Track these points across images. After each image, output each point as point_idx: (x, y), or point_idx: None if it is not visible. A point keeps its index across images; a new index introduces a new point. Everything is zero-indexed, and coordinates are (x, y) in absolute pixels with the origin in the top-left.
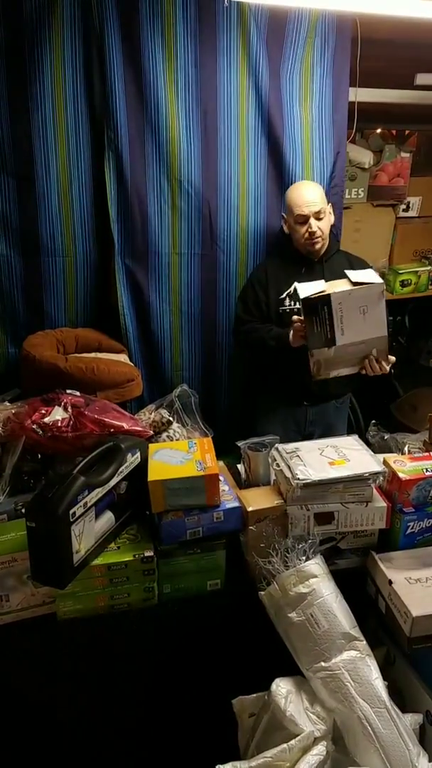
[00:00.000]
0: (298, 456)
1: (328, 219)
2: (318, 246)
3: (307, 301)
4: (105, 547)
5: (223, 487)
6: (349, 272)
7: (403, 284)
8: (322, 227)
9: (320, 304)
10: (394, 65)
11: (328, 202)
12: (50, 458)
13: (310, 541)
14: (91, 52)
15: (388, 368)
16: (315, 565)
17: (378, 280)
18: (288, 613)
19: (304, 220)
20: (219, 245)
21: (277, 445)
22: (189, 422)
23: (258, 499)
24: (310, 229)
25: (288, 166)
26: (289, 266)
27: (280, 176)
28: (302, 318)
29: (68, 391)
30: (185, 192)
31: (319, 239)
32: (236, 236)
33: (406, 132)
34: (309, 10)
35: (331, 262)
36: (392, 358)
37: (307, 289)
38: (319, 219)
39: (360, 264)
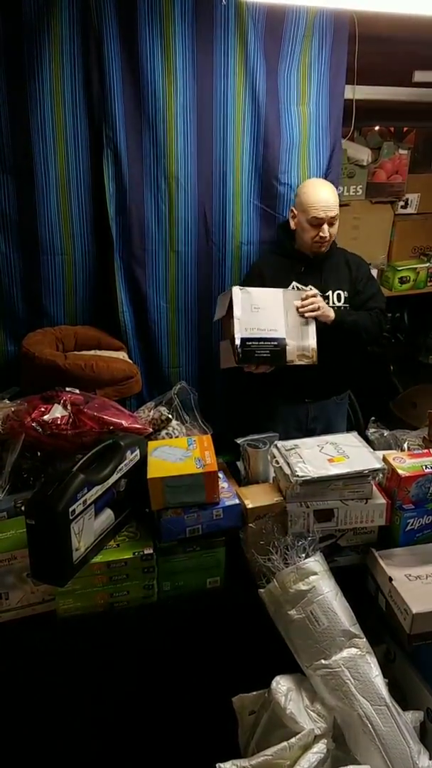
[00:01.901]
0: (297, 453)
1: (338, 222)
2: (324, 249)
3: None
4: (104, 545)
5: (223, 485)
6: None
7: (401, 281)
8: (332, 233)
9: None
10: (392, 62)
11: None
12: (50, 456)
13: (309, 538)
14: (89, 51)
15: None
16: (315, 563)
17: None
18: (288, 610)
19: (319, 223)
20: (215, 242)
21: (276, 442)
22: (188, 419)
23: (257, 497)
24: (321, 234)
25: (284, 163)
26: (288, 265)
27: (276, 174)
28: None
29: (67, 389)
30: (182, 189)
31: (327, 243)
32: (231, 233)
33: (404, 129)
34: (306, 7)
35: (330, 260)
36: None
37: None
38: (332, 224)
39: (356, 260)
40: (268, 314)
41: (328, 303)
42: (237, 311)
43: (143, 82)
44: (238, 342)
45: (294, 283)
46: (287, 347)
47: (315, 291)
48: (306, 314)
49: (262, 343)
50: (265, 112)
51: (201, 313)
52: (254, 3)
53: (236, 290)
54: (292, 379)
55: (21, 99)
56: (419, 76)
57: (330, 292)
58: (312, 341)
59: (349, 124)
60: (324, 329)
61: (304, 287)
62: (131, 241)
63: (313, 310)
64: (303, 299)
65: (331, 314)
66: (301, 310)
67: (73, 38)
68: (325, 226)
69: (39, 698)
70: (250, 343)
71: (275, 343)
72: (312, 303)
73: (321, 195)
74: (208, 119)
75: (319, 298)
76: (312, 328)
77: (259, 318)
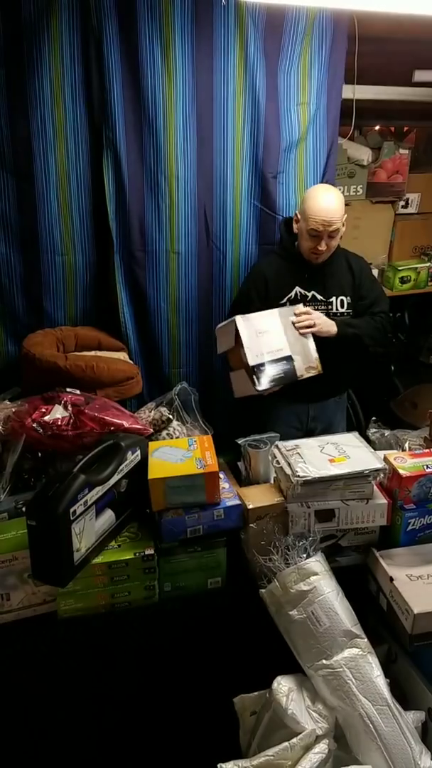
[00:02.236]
0: (298, 453)
1: (340, 234)
2: (320, 260)
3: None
4: (105, 546)
5: (224, 485)
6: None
7: (402, 281)
8: (331, 245)
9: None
10: (392, 62)
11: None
12: (50, 456)
13: (310, 538)
14: (89, 52)
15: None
16: (316, 563)
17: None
18: (289, 610)
19: (317, 234)
20: (215, 243)
21: (277, 442)
22: (189, 420)
23: (258, 497)
24: (319, 247)
25: (282, 163)
26: (291, 268)
27: (275, 174)
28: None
29: (68, 390)
30: (182, 191)
31: (323, 255)
32: (231, 234)
33: (405, 128)
34: (306, 7)
35: (333, 264)
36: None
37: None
38: (332, 237)
39: (358, 264)
40: (272, 336)
41: (331, 309)
42: (245, 340)
43: (143, 83)
44: (253, 370)
45: (297, 289)
46: (295, 363)
47: (305, 308)
48: (301, 330)
49: (274, 365)
50: (265, 112)
51: (201, 314)
52: (254, 3)
53: (239, 320)
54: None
55: (21, 99)
56: (419, 75)
57: (333, 299)
58: (314, 352)
59: (350, 123)
60: (325, 338)
61: (306, 293)
62: (131, 241)
63: (308, 326)
64: (297, 314)
65: (333, 329)
66: (297, 326)
67: (72, 39)
68: (323, 241)
69: (40, 698)
70: (264, 368)
71: (284, 361)
72: (306, 319)
73: (322, 206)
74: (208, 119)
75: (315, 313)
76: (311, 339)
77: (264, 341)
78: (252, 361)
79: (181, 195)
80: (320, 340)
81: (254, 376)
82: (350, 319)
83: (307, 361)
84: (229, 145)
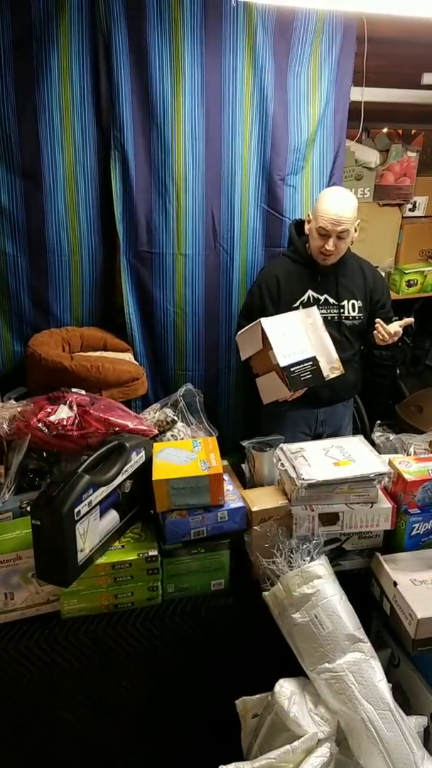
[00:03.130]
0: (302, 456)
1: (351, 238)
2: (329, 262)
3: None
4: (109, 546)
5: (228, 487)
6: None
7: (409, 284)
8: (340, 247)
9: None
10: (400, 65)
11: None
12: (55, 457)
13: (314, 541)
14: (98, 53)
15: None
16: (319, 566)
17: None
18: (292, 613)
19: (325, 233)
20: (222, 246)
21: (281, 445)
22: (193, 421)
23: (262, 499)
24: (327, 246)
25: (290, 165)
26: (303, 271)
27: (282, 176)
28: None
29: (73, 390)
30: (189, 192)
31: (332, 257)
32: (238, 237)
33: (413, 131)
34: (316, 9)
35: (344, 268)
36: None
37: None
38: (340, 238)
39: (371, 271)
40: (295, 337)
41: (342, 313)
42: (273, 341)
43: (151, 84)
44: (285, 371)
45: (309, 293)
46: (320, 363)
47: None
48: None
49: (302, 365)
50: (274, 114)
51: (208, 316)
52: (264, 4)
53: (265, 322)
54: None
55: (30, 101)
56: (428, 78)
57: (345, 302)
58: (334, 353)
59: (358, 126)
60: (342, 339)
61: (319, 296)
62: (138, 242)
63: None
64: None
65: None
66: (389, 341)
67: (81, 40)
68: (332, 240)
69: (42, 698)
70: (294, 368)
71: (311, 362)
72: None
73: (333, 204)
74: (216, 121)
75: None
76: (329, 340)
77: (290, 343)
78: (283, 361)
79: (188, 196)
80: (337, 340)
81: (286, 377)
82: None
83: (330, 362)
84: (237, 146)
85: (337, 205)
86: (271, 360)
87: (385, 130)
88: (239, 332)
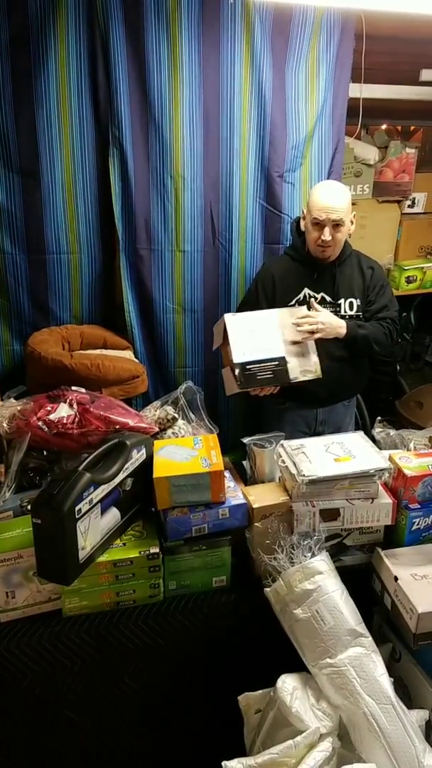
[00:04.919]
0: (303, 452)
1: (347, 229)
2: (327, 255)
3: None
4: (110, 544)
5: (229, 484)
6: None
7: (408, 280)
8: (337, 237)
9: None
10: (399, 61)
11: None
12: (56, 455)
13: (315, 537)
14: (95, 49)
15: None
16: (320, 562)
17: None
18: (293, 609)
19: (319, 224)
20: (221, 242)
21: (282, 441)
22: (194, 419)
23: (263, 496)
24: (323, 237)
25: (289, 162)
26: (300, 269)
27: (281, 172)
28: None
29: (73, 388)
30: (188, 189)
31: (330, 249)
32: (237, 234)
33: (411, 128)
34: (314, 6)
35: (343, 266)
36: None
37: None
38: (336, 228)
39: (371, 267)
40: (265, 336)
41: (339, 311)
42: (232, 337)
43: (149, 81)
44: (237, 368)
45: (306, 291)
46: (288, 365)
47: (307, 312)
48: (302, 337)
49: (262, 365)
50: (272, 111)
51: (207, 313)
52: (261, 1)
53: (228, 317)
54: (305, 386)
55: (27, 98)
56: (426, 74)
57: (342, 300)
58: (314, 356)
59: (356, 123)
60: (335, 340)
61: (316, 295)
62: (137, 240)
63: (310, 332)
64: (299, 318)
65: (342, 331)
66: (298, 330)
67: (79, 36)
68: (327, 230)
69: (45, 696)
70: (250, 366)
71: (276, 362)
72: (308, 324)
73: (325, 195)
74: (214, 118)
75: (323, 314)
76: (311, 343)
77: (256, 341)
78: (237, 358)
79: (187, 193)
80: (330, 342)
81: (236, 374)
82: (361, 322)
83: (305, 365)
84: (236, 143)
85: (328, 194)
86: (228, 354)
87: (383, 126)
88: (215, 324)
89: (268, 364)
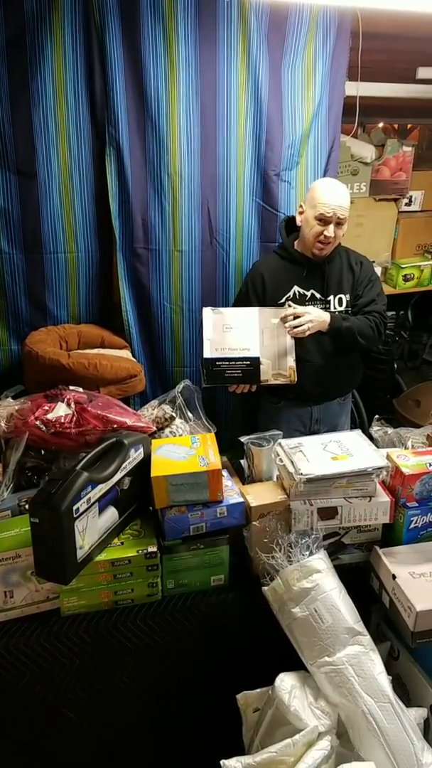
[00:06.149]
0: (301, 451)
1: (345, 227)
2: (325, 251)
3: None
4: (108, 543)
5: (227, 483)
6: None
7: (405, 278)
8: (338, 234)
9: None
10: (396, 59)
11: None
12: (54, 454)
13: (313, 536)
14: (91, 48)
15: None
16: (318, 560)
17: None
18: (291, 608)
19: (326, 220)
20: (218, 241)
21: (280, 440)
22: (192, 418)
23: (261, 495)
24: (326, 233)
25: (285, 160)
26: (290, 267)
27: (277, 171)
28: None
29: (71, 388)
30: (185, 188)
31: (329, 245)
32: (234, 232)
33: (408, 126)
34: (310, 4)
35: (332, 263)
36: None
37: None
38: (338, 226)
39: (360, 263)
40: (241, 333)
41: (328, 308)
42: (207, 332)
43: (146, 80)
44: (204, 363)
45: (295, 288)
46: (261, 366)
47: (292, 311)
48: (293, 334)
49: (233, 363)
50: (268, 109)
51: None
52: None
53: (206, 311)
54: (297, 383)
55: (24, 97)
56: (423, 72)
57: (331, 297)
58: (290, 360)
59: (353, 121)
60: (324, 335)
61: (305, 292)
62: (134, 239)
63: (301, 332)
64: (283, 317)
65: (326, 322)
66: (290, 333)
67: (75, 35)
68: (331, 226)
69: (43, 696)
70: (219, 363)
71: (248, 362)
72: (296, 322)
73: (334, 193)
74: (211, 117)
75: (309, 310)
76: (290, 347)
77: (230, 337)
78: (206, 353)
79: (184, 193)
80: (321, 338)
81: (203, 369)
82: (345, 315)
83: (278, 368)
84: (232, 142)
85: (339, 192)
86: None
87: (380, 124)
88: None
89: (240, 363)
